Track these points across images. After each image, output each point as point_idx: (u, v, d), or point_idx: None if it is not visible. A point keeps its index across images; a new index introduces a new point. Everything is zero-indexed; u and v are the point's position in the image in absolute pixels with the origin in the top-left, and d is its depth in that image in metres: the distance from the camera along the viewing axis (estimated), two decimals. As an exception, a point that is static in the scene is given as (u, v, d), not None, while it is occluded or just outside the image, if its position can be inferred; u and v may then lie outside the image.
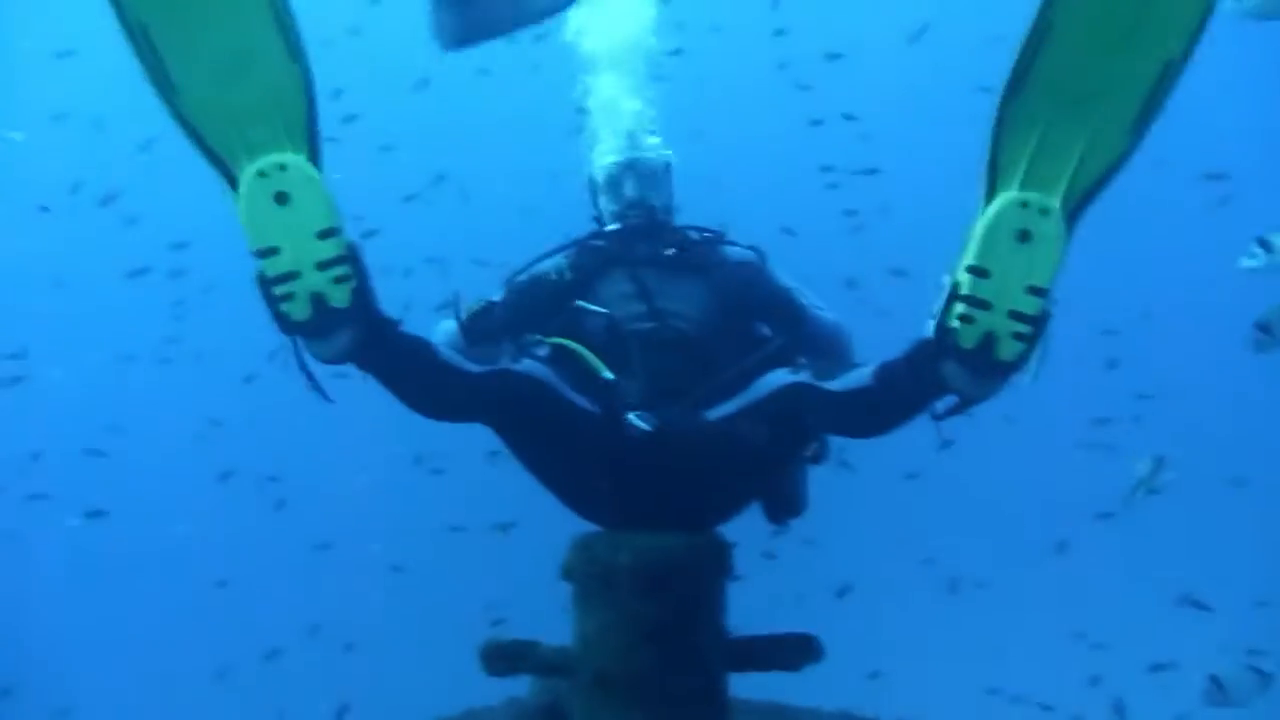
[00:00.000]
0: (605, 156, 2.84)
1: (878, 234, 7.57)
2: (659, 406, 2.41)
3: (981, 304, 1.83)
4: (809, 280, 2.82)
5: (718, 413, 2.39)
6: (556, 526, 2.50)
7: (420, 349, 2.19)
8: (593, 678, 2.21)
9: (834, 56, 7.62)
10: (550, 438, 2.42)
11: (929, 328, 1.91)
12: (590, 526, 2.48)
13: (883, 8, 8.15)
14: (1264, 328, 3.71)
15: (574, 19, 2.98)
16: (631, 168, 2.80)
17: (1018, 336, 1.83)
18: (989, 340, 1.84)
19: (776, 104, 8.16)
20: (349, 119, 6.65)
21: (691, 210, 2.98)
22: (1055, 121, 1.82)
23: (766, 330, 2.72)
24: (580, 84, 3.02)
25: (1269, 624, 6.93)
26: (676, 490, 2.38)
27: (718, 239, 2.81)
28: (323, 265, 1.92)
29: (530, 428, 2.41)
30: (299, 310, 1.92)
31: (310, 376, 2.09)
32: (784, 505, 2.68)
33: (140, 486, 7.99)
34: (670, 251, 2.72)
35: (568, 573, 2.31)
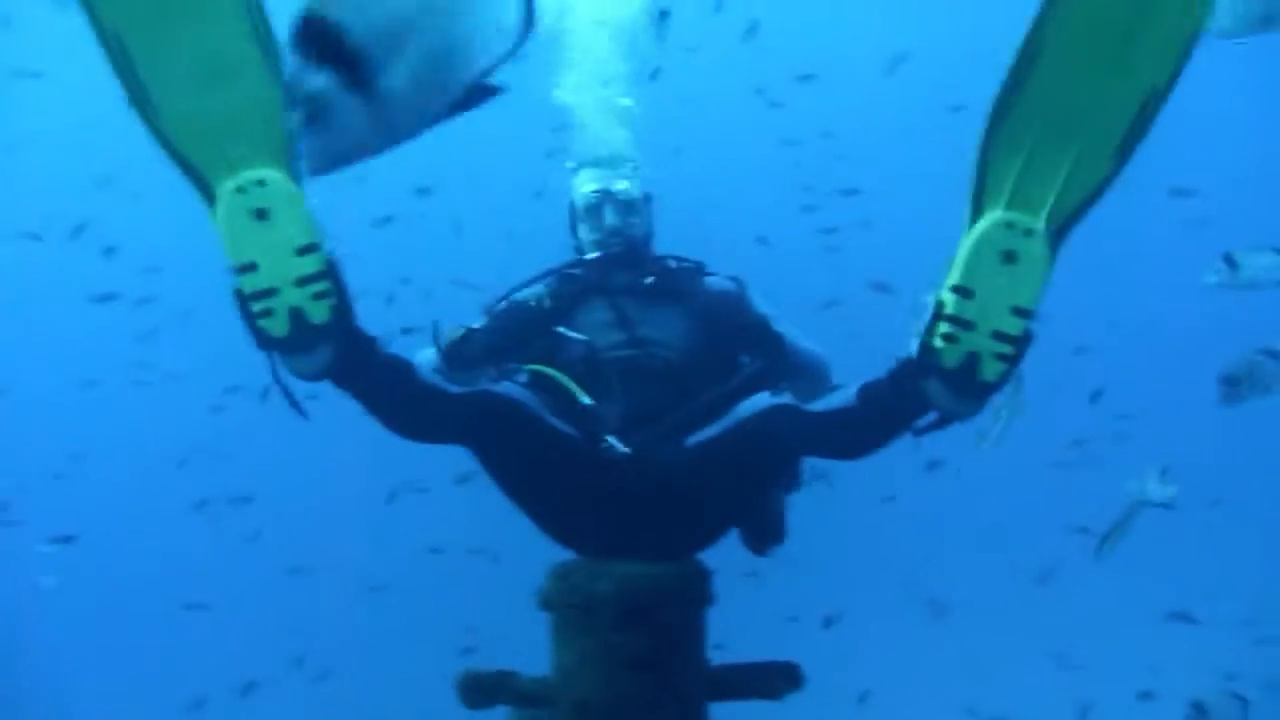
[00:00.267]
0: (585, 185, 2.83)
1: (856, 251, 7.59)
2: (638, 433, 2.39)
3: (965, 324, 1.84)
4: (787, 299, 2.81)
5: (698, 439, 2.37)
6: (533, 554, 2.47)
7: (399, 368, 2.18)
8: (572, 708, 2.19)
9: (808, 77, 7.67)
10: (529, 461, 2.39)
11: (912, 347, 1.92)
12: (567, 554, 2.44)
13: (858, 30, 8.20)
14: (1230, 381, 3.67)
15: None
16: (611, 196, 2.78)
17: (1000, 357, 1.85)
18: (972, 360, 1.85)
19: (752, 124, 8.19)
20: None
21: (670, 228, 2.96)
22: (1042, 144, 1.83)
23: (747, 359, 2.70)
24: (558, 104, 3.01)
25: (1252, 645, 6.95)
26: (656, 517, 2.36)
27: (697, 269, 2.80)
28: (302, 281, 1.91)
29: (509, 450, 2.38)
30: (277, 326, 1.92)
31: (288, 393, 2.08)
32: (764, 533, 2.66)
33: (110, 511, 7.88)
34: (650, 280, 2.71)
35: (546, 602, 2.28)
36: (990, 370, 1.85)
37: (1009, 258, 1.82)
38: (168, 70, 1.86)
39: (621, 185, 2.80)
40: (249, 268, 1.89)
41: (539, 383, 2.50)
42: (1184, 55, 1.78)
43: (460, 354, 2.63)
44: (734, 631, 2.65)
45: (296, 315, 1.92)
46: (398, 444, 2.29)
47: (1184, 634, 6.68)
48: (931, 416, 2.01)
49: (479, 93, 1.49)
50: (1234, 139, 8.06)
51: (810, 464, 2.65)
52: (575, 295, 2.70)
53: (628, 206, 2.79)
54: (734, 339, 2.70)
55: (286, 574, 7.68)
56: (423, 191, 7.40)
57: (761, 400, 2.31)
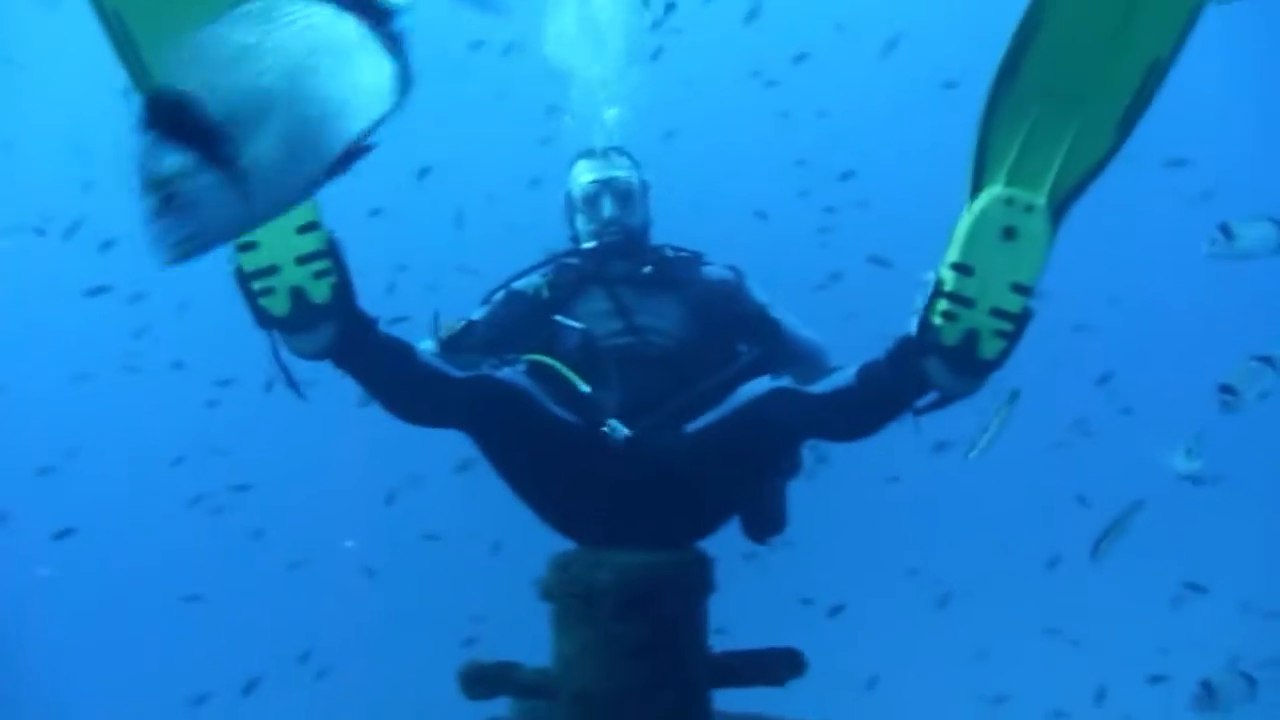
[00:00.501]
0: (583, 175, 2.80)
1: (853, 231, 7.57)
2: (637, 421, 2.37)
3: (965, 301, 1.83)
4: (786, 276, 2.79)
5: (697, 424, 2.35)
6: (535, 544, 2.45)
7: (401, 350, 2.16)
8: (574, 698, 2.17)
9: (802, 57, 7.66)
10: (529, 447, 2.37)
11: (911, 325, 1.90)
12: (567, 544, 2.43)
13: (855, 7, 8.17)
14: (1228, 389, 3.71)
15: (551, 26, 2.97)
16: (609, 186, 2.76)
17: (1000, 334, 1.83)
18: (971, 338, 1.84)
19: (748, 104, 8.17)
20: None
21: (667, 207, 2.93)
22: (1042, 118, 1.81)
23: (745, 348, 2.69)
24: (554, 89, 3.00)
25: (1262, 623, 6.94)
26: (656, 504, 2.34)
27: (695, 258, 2.78)
28: (302, 260, 1.91)
29: (509, 436, 2.36)
30: (278, 305, 1.91)
31: (287, 374, 2.07)
32: (764, 521, 2.65)
33: (106, 506, 7.86)
34: (648, 269, 2.69)
35: (546, 592, 2.26)
36: (990, 348, 1.84)
37: (1009, 234, 1.80)
38: (168, 46, 1.82)
39: (619, 175, 2.77)
40: (249, 246, 1.88)
41: (537, 372, 2.47)
42: (1187, 25, 1.76)
43: (459, 347, 2.61)
44: (738, 617, 2.63)
45: (297, 294, 1.91)
46: (396, 436, 2.27)
47: (1192, 614, 6.67)
48: (931, 396, 1.99)
49: (355, 154, 1.39)
50: (1238, 110, 8.01)
51: (811, 448, 2.64)
52: (573, 285, 2.69)
53: (625, 196, 2.76)
54: (732, 327, 2.68)
55: (286, 569, 7.66)
56: (420, 176, 7.34)
57: (761, 383, 2.29)
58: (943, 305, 1.84)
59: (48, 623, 8.22)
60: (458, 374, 2.22)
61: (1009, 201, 1.80)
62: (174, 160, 1.24)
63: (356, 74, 1.36)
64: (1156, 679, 5.86)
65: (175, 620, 7.75)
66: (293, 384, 2.09)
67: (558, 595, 2.23)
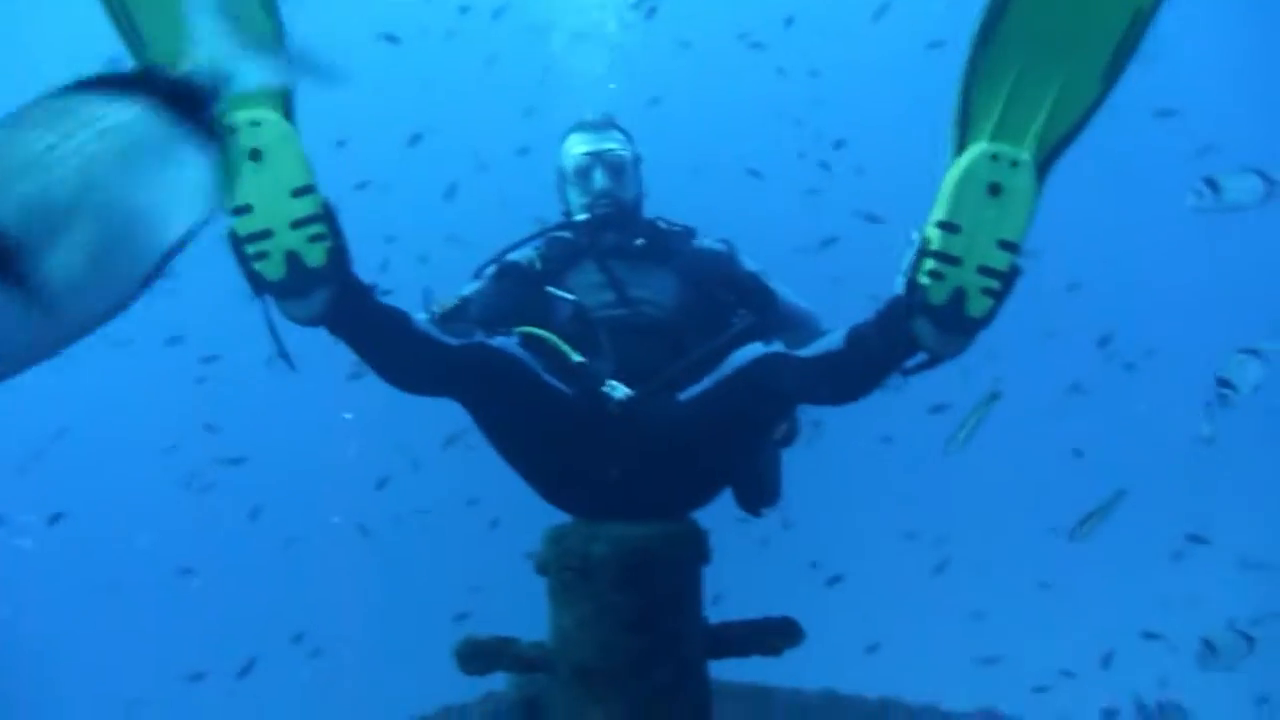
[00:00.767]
0: (575, 147, 2.77)
1: (843, 191, 7.55)
2: (630, 390, 2.34)
3: (951, 259, 1.80)
4: (778, 232, 2.75)
5: (691, 393, 2.32)
6: (531, 518, 2.43)
7: (396, 316, 2.13)
8: (572, 672, 2.16)
9: (790, 20, 7.61)
10: (524, 416, 2.34)
11: (898, 284, 1.88)
12: (560, 517, 2.40)
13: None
14: (1224, 382, 3.74)
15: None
16: (601, 159, 2.73)
17: (987, 292, 1.80)
18: (959, 296, 1.81)
19: (739, 67, 8.11)
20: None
21: (662, 171, 2.90)
22: (1026, 70, 1.78)
23: (737, 319, 2.65)
24: (543, 58, 2.95)
25: (1256, 585, 6.96)
26: (650, 474, 2.31)
27: (687, 232, 2.76)
28: (297, 224, 1.87)
29: (504, 404, 2.33)
30: (273, 269, 1.88)
31: (278, 341, 2.02)
32: (758, 492, 2.62)
33: (98, 485, 7.83)
34: (640, 241, 2.67)
35: (541, 566, 2.24)
36: (977, 306, 1.81)
37: (995, 190, 1.77)
38: (160, 8, 1.80)
39: (612, 147, 2.74)
40: (244, 209, 1.85)
41: (530, 344, 2.44)
42: None
43: (454, 323, 2.58)
44: (739, 584, 2.60)
45: (292, 258, 1.88)
46: (388, 409, 2.22)
47: (1190, 572, 6.69)
48: (920, 357, 1.96)
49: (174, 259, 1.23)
50: (1219, 60, 7.95)
51: (805, 413, 2.62)
52: (565, 258, 2.66)
53: (618, 169, 2.74)
54: (724, 297, 2.65)
55: (282, 545, 7.65)
56: (411, 143, 7.25)
57: (752, 349, 2.27)
58: (930, 264, 1.81)
59: (42, 604, 8.22)
60: (453, 342, 2.20)
61: (994, 157, 1.77)
62: None
63: (170, 175, 1.20)
64: (1151, 636, 5.89)
65: (169, 597, 7.75)
66: (284, 353, 2.05)
67: (554, 569, 2.20)
